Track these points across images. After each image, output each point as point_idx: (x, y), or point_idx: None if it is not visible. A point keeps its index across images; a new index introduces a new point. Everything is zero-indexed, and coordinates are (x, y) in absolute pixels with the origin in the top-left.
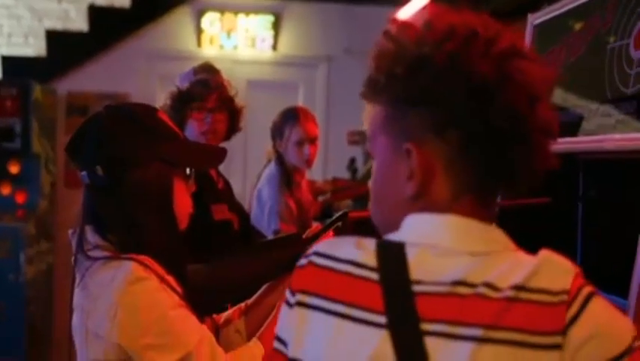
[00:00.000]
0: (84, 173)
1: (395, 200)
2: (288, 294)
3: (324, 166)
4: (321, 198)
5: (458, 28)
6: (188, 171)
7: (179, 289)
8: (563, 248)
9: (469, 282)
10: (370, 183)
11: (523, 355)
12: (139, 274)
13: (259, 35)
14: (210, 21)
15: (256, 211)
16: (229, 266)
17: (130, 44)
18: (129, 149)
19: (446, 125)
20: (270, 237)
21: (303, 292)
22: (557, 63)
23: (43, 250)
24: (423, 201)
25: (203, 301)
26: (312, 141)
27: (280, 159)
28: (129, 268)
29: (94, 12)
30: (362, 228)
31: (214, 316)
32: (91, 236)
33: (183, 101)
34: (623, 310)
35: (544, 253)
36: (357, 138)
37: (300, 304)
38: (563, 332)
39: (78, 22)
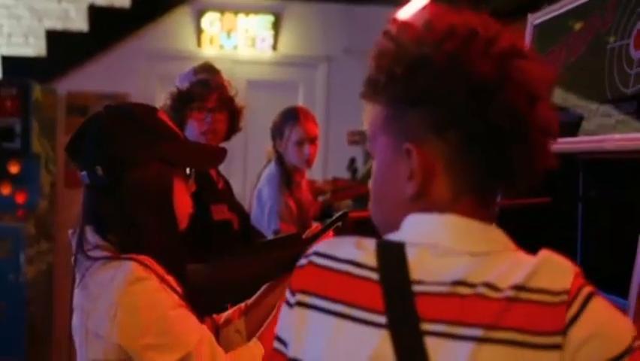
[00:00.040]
0: (84, 173)
1: (395, 200)
2: (288, 294)
3: (324, 166)
4: (321, 198)
5: (458, 28)
6: (188, 171)
7: (179, 289)
8: (563, 248)
9: (469, 282)
10: (370, 183)
11: (524, 355)
12: (139, 274)
13: (259, 35)
14: (210, 21)
15: (256, 211)
16: (229, 266)
17: (130, 44)
18: (129, 149)
19: (446, 125)
20: (270, 237)
21: (303, 292)
22: (557, 63)
23: (43, 250)
24: (423, 201)
25: (203, 301)
26: (312, 140)
27: (280, 159)
28: (129, 268)
29: (94, 12)
30: (362, 228)
31: (214, 316)
32: (91, 236)
33: (183, 101)
34: (623, 310)
35: (544, 253)
36: (358, 137)
37: (300, 304)
38: (563, 332)
39: (78, 22)
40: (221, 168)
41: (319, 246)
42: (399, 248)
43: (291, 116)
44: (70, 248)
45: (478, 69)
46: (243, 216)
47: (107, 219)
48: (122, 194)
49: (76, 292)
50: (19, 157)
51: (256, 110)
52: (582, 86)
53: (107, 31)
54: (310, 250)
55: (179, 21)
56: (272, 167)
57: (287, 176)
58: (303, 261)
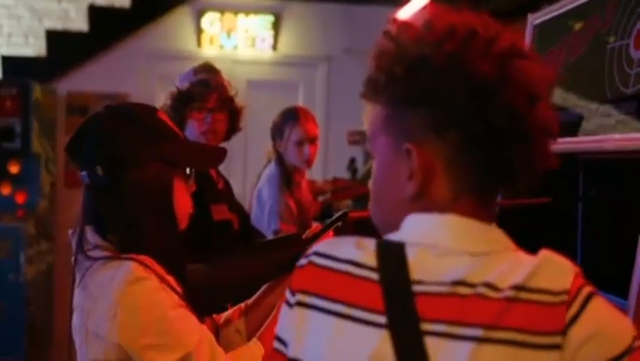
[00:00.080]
0: (84, 173)
1: (395, 200)
2: (288, 294)
3: (324, 166)
4: (321, 198)
5: (458, 28)
6: (188, 171)
7: (179, 289)
8: (563, 248)
9: (469, 282)
10: (370, 183)
11: (523, 355)
12: (139, 274)
13: (259, 35)
14: (210, 21)
15: (256, 211)
16: (229, 266)
17: (130, 44)
18: (129, 149)
19: (446, 125)
20: (270, 237)
21: (303, 292)
22: (557, 63)
23: (43, 250)
24: (423, 201)
25: (203, 301)
26: (312, 140)
27: (280, 159)
28: (129, 268)
29: (94, 12)
30: (362, 228)
31: (214, 316)
32: (91, 236)
33: (183, 101)
34: (623, 310)
35: (544, 253)
36: (358, 137)
37: (300, 304)
38: (563, 332)
39: (78, 22)
40: (221, 168)
41: (319, 246)
42: (399, 248)
43: (291, 116)
44: (70, 248)
45: (478, 69)
46: (243, 216)
47: (107, 219)
48: (122, 194)
49: (76, 292)
50: (19, 157)
51: (256, 110)
52: (582, 86)
53: (107, 31)
54: (310, 250)
55: (179, 21)
56: (272, 167)
57: (287, 176)
58: (303, 261)
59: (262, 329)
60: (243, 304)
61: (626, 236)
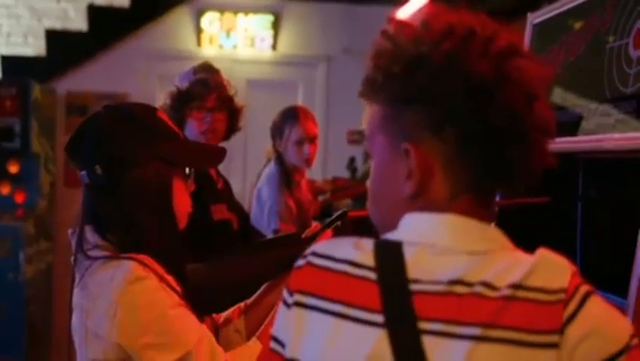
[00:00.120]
0: (83, 172)
1: (393, 199)
2: (285, 294)
3: (324, 166)
4: (320, 198)
5: (456, 27)
6: (187, 170)
7: (178, 288)
8: (563, 247)
9: (466, 281)
10: (369, 183)
11: (521, 354)
12: (138, 273)
13: (259, 35)
14: (210, 21)
15: (256, 211)
16: (228, 266)
17: (129, 44)
18: (128, 148)
19: (444, 125)
20: (270, 236)
21: (301, 292)
22: (557, 62)
23: (43, 249)
24: (421, 201)
25: (203, 301)
26: (312, 140)
27: (280, 159)
28: (128, 267)
29: (93, 12)
30: (361, 227)
31: (213, 315)
32: (90, 236)
33: (183, 101)
34: (622, 309)
35: (542, 252)
36: (357, 137)
37: (298, 304)
38: (561, 330)
39: (77, 21)
40: (221, 167)
41: (317, 246)
42: (396, 247)
43: (291, 116)
44: (69, 248)
45: (476, 68)
46: (243, 215)
47: (107, 218)
48: (121, 193)
49: (76, 291)
50: (19, 157)
51: (256, 109)
52: (581, 85)
53: (106, 30)
54: (308, 251)
55: (178, 21)
56: (271, 166)
57: (287, 175)
58: (300, 262)
59: (261, 328)
60: (242, 304)
61: (626, 235)
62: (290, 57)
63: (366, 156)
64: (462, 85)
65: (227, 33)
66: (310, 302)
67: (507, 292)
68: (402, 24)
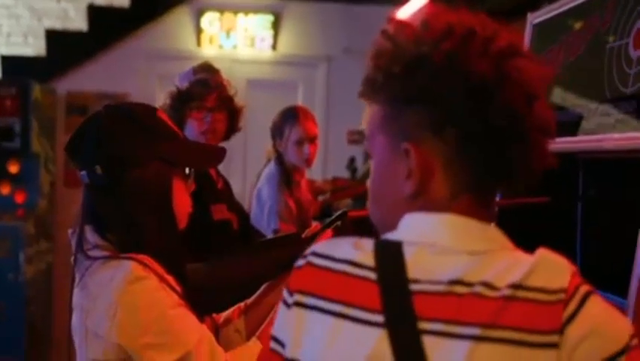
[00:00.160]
0: (83, 172)
1: (393, 199)
2: (285, 294)
3: (324, 165)
4: (320, 198)
5: (456, 27)
6: (187, 170)
7: (178, 288)
8: (563, 247)
9: (466, 281)
10: (369, 183)
11: (521, 353)
12: (138, 273)
13: (258, 35)
14: (210, 21)
15: (256, 211)
16: (228, 266)
17: (129, 44)
18: (128, 148)
19: (444, 124)
20: (270, 236)
21: (301, 292)
22: (557, 62)
23: (43, 249)
24: (421, 200)
25: (203, 301)
26: (312, 140)
27: (280, 159)
28: (128, 267)
29: (93, 11)
30: (361, 227)
31: (213, 315)
32: (90, 236)
33: (183, 101)
34: (622, 309)
35: (542, 252)
36: (357, 137)
37: (298, 304)
38: (560, 330)
39: (77, 21)
40: (221, 167)
41: (317, 247)
42: (396, 247)
43: (291, 116)
44: (69, 248)
45: (476, 68)
46: (243, 215)
47: (107, 218)
48: (121, 193)
49: (76, 291)
50: (19, 157)
51: (256, 109)
52: (581, 85)
53: (106, 30)
54: (308, 251)
55: (178, 21)
56: (271, 166)
57: (287, 175)
58: (300, 262)
59: (261, 328)
60: (242, 304)
61: (626, 235)
62: (290, 57)
63: (367, 156)
64: (462, 85)
65: (227, 33)
66: (310, 302)
67: (507, 292)
68: (402, 24)
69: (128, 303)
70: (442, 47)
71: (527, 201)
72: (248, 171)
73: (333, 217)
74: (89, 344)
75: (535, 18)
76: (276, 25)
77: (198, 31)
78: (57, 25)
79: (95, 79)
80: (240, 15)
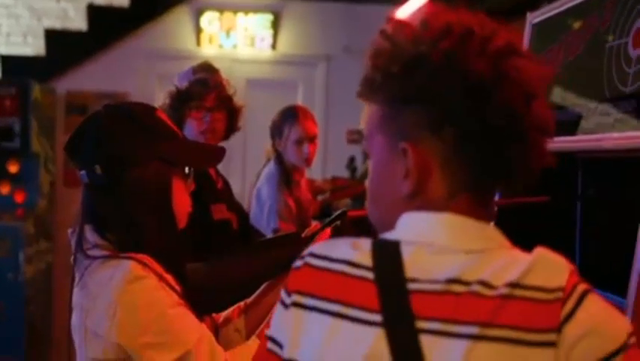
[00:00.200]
0: (83, 172)
1: (392, 199)
2: (283, 295)
3: (324, 165)
4: (320, 197)
5: (454, 26)
6: (186, 170)
7: (178, 287)
8: (562, 247)
9: (463, 280)
10: (367, 182)
11: (518, 352)
12: (137, 272)
13: (258, 34)
14: (209, 20)
15: (255, 210)
16: (228, 265)
17: (129, 44)
18: (128, 148)
19: (442, 124)
20: (269, 236)
21: (299, 292)
22: (556, 62)
23: (43, 249)
24: (419, 200)
25: (203, 300)
26: (312, 139)
27: (279, 158)
28: (128, 267)
29: (93, 11)
30: (361, 226)
31: (213, 315)
32: (90, 235)
33: (182, 101)
34: (622, 308)
35: (539, 251)
36: (357, 136)
37: (296, 304)
38: (558, 329)
39: (77, 21)
40: (220, 167)
41: (314, 247)
42: (394, 247)
43: (290, 115)
44: (69, 247)
45: (474, 67)
46: (242, 215)
47: (106, 218)
48: (121, 193)
49: (76, 291)
50: (19, 156)
51: (255, 109)
52: (581, 84)
53: (106, 30)
54: (305, 252)
55: (178, 20)
56: (271, 166)
57: (286, 175)
58: (298, 263)
59: (261, 327)
60: (242, 303)
61: (625, 234)
62: (290, 56)
63: (366, 156)
64: (460, 84)
65: (227, 32)
66: (308, 303)
67: (504, 290)
68: (400, 24)
69: (128, 302)
70: (440, 46)
71: (527, 200)
72: (247, 170)
73: (333, 217)
74: (88, 344)
75: (534, 17)
76: (275, 25)
77: (198, 30)
78: (57, 24)
79: (94, 78)
80: (240, 14)
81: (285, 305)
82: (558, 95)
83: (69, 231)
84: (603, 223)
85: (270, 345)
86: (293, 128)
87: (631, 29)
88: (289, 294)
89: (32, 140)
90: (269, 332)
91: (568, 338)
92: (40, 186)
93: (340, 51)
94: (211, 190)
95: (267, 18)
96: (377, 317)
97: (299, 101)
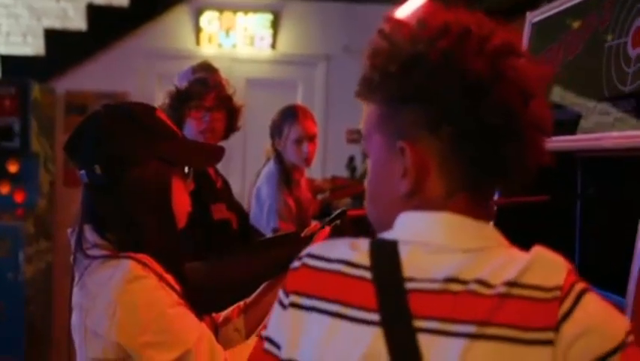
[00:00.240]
0: (83, 172)
1: (390, 198)
2: (281, 295)
3: (323, 164)
4: (320, 197)
5: (452, 25)
6: (186, 169)
7: (177, 287)
8: (561, 246)
9: (461, 279)
10: (366, 182)
11: (516, 351)
12: (137, 272)
13: (258, 34)
14: (209, 20)
15: (255, 210)
16: (228, 265)
17: (128, 43)
18: (128, 148)
19: (440, 123)
20: (269, 235)
21: (297, 293)
22: (555, 61)
23: (43, 249)
24: (417, 199)
25: (202, 300)
26: (311, 139)
27: (279, 158)
28: (127, 266)
29: (92, 11)
30: (360, 226)
31: (213, 314)
32: (90, 235)
33: (182, 100)
34: (621, 308)
35: (537, 250)
36: (356, 136)
37: (294, 305)
38: (556, 328)
39: (77, 21)
40: (220, 166)
41: (312, 248)
42: (392, 246)
43: (290, 115)
44: (69, 247)
45: (472, 67)
46: (242, 215)
47: (106, 217)
48: (120, 193)
49: (75, 290)
50: (18, 156)
51: (255, 108)
52: (580, 84)
53: (105, 30)
54: (303, 253)
55: (177, 20)
56: (271, 165)
57: (286, 174)
58: (296, 263)
59: (260, 327)
60: (242, 303)
61: (625, 234)
62: (289, 56)
63: (365, 155)
64: (458, 83)
65: (227, 32)
66: (307, 303)
67: (502, 289)
68: (398, 23)
69: (127, 302)
70: (438, 45)
71: (526, 199)
72: (247, 170)
73: (333, 216)
74: (88, 343)
75: (534, 17)
76: (275, 24)
77: (197, 30)
78: (56, 24)
79: (94, 78)
80: (240, 14)
81: (283, 306)
82: (557, 94)
83: (69, 231)
84: (603, 223)
85: (267, 346)
86: (292, 127)
87: (630, 29)
88: (287, 295)
89: (32, 140)
90: (266, 332)
91: (565, 336)
92: (39, 186)
93: (340, 51)
94: (211, 190)
95: (267, 18)
96: (375, 317)
97: (299, 100)
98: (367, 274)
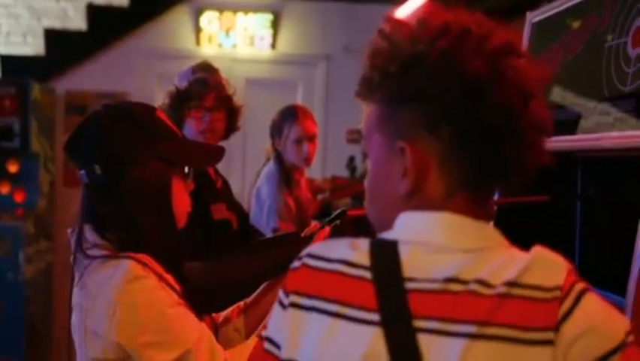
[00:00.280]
0: (83, 172)
1: (390, 198)
2: (281, 295)
3: (323, 164)
4: (320, 197)
5: (452, 25)
6: (186, 169)
7: (177, 287)
8: (561, 246)
9: (461, 279)
10: (366, 182)
11: (516, 351)
12: (137, 272)
13: (258, 34)
14: (209, 20)
15: (255, 210)
16: (228, 265)
17: (128, 43)
18: (128, 147)
19: (439, 123)
20: (269, 235)
21: (297, 293)
22: (555, 61)
23: (43, 249)
24: (417, 199)
25: (203, 300)
26: (311, 139)
27: (279, 158)
28: (127, 266)
29: (92, 11)
30: (360, 226)
31: (213, 314)
32: (90, 235)
33: (182, 100)
34: (621, 308)
35: (537, 250)
36: (356, 136)
37: (294, 305)
38: (556, 328)
39: (77, 21)
40: (220, 167)
41: (312, 248)
42: (392, 246)
43: (290, 115)
44: (69, 247)
45: (471, 67)
46: (242, 215)
47: (106, 217)
48: (120, 193)
49: (75, 290)
50: (18, 156)
51: (255, 108)
52: (580, 84)
53: (105, 30)
54: (303, 253)
55: (177, 20)
56: (271, 165)
57: (286, 174)
58: (296, 263)
59: (260, 327)
60: (242, 303)
61: (625, 234)
62: (289, 56)
63: (366, 155)
64: (457, 83)
65: (227, 32)
66: (307, 303)
67: (502, 289)
68: (398, 23)
69: (127, 302)
70: (437, 45)
71: (526, 200)
72: (247, 170)
73: (333, 216)
74: (88, 343)
75: (534, 17)
76: (275, 24)
77: (197, 30)
78: (56, 24)
79: (94, 78)
80: (240, 14)
81: (283, 306)
82: (557, 94)
83: (69, 230)
84: (603, 223)
85: (267, 346)
86: (292, 127)
87: (630, 29)
88: (287, 295)
89: (32, 140)
90: (266, 332)
91: (565, 336)
92: (39, 186)
93: (340, 51)
94: (211, 190)
95: (267, 18)
96: (375, 317)
97: (299, 100)
98: (367, 274)
